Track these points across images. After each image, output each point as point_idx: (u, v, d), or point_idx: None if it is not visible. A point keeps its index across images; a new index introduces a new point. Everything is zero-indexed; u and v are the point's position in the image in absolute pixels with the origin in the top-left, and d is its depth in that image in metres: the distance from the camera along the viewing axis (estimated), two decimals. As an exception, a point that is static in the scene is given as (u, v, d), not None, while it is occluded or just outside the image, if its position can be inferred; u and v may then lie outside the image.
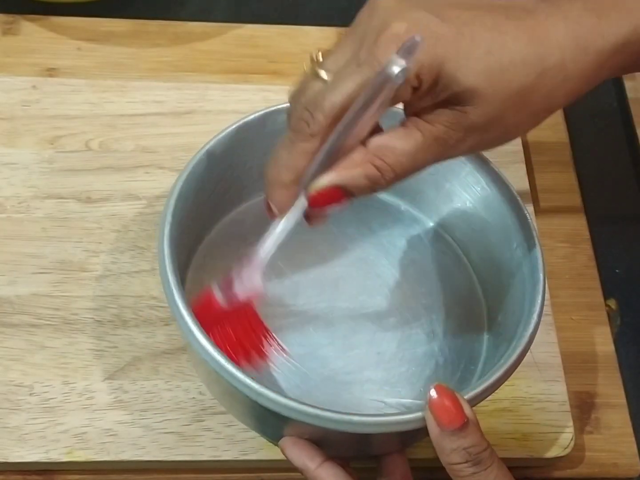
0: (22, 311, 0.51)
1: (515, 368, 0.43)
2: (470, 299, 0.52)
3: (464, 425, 0.38)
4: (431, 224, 0.55)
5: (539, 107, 0.40)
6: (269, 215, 0.42)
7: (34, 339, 0.50)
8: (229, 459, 0.48)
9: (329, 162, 0.39)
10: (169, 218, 0.44)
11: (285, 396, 0.40)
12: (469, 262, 0.53)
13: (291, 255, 0.50)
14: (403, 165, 0.39)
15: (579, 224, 0.59)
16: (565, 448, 0.49)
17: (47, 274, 0.53)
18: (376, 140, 0.39)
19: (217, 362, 0.40)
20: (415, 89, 0.37)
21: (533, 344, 0.52)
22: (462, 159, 0.49)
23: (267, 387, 0.40)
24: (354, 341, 0.50)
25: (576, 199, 0.61)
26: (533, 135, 0.63)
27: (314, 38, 0.67)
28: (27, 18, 0.64)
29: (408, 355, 0.50)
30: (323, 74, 0.39)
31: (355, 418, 0.39)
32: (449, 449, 0.38)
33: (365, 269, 0.53)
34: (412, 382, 0.49)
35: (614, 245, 0.60)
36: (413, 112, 0.39)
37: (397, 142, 0.38)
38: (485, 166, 0.50)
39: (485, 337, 0.50)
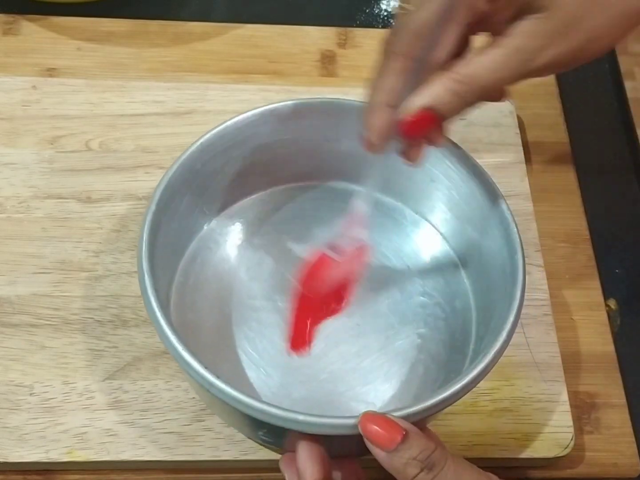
0: (22, 311, 0.51)
1: (493, 365, 0.43)
2: (457, 291, 0.52)
3: (404, 437, 0.37)
4: (416, 215, 0.55)
5: (617, 9, 0.39)
6: (365, 147, 0.42)
7: (34, 339, 0.50)
8: (229, 458, 0.48)
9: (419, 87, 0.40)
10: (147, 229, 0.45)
11: (233, 387, 0.40)
12: (454, 252, 0.54)
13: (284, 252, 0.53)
14: (485, 78, 0.39)
15: (579, 224, 0.59)
16: (565, 448, 0.49)
17: (47, 274, 0.53)
18: (458, 61, 0.40)
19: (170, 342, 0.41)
20: None
21: (533, 344, 0.52)
22: (441, 154, 0.49)
23: (217, 377, 0.40)
24: (339, 339, 0.51)
25: (576, 199, 0.61)
26: (533, 135, 0.63)
27: (314, 38, 0.67)
28: (28, 18, 0.64)
29: (392, 353, 0.50)
30: (408, 6, 0.40)
31: (300, 417, 0.39)
32: (400, 465, 0.38)
33: None
34: (398, 380, 0.49)
35: (614, 245, 0.60)
36: (493, 31, 0.40)
37: (477, 57, 0.39)
38: (464, 159, 0.50)
39: (474, 328, 0.51)
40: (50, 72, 0.62)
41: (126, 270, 0.53)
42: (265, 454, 0.48)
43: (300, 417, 0.39)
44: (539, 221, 0.58)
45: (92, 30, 0.64)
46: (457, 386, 0.42)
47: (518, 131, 0.61)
